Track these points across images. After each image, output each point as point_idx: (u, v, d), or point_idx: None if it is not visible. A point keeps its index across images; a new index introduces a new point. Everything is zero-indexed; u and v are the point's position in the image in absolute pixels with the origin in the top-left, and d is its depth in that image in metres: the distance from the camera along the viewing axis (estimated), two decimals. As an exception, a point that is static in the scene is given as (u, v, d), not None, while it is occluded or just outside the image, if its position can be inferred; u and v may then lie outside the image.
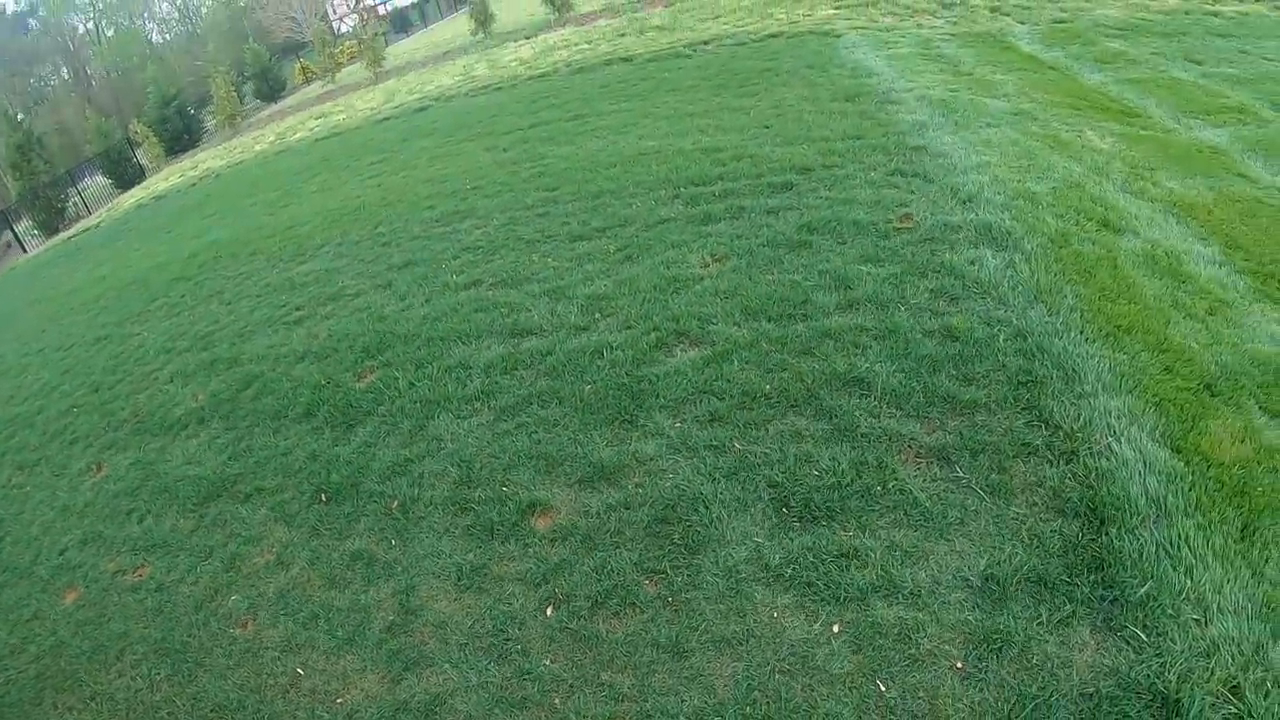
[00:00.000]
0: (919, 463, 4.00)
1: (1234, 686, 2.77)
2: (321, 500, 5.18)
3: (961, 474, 3.86)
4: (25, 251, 29.67)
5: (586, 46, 18.72)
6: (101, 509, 6.25)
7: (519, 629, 3.81)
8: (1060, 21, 13.24)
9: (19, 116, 35.08)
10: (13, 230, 31.95)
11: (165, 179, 27.39)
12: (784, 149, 8.16)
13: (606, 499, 4.33)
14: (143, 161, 34.77)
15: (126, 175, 33.96)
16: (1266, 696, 2.73)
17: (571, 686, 3.47)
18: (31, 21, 67.46)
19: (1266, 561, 3.20)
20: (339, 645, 4.10)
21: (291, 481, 5.48)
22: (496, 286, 7.07)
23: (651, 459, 4.48)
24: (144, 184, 30.53)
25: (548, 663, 3.60)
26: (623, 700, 3.35)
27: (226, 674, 4.24)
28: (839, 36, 13.23)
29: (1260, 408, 4.05)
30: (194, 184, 22.48)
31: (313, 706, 3.86)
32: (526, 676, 3.58)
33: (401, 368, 6.20)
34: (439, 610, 4.06)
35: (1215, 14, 12.72)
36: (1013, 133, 7.88)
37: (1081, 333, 4.60)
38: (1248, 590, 3.09)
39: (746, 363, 4.96)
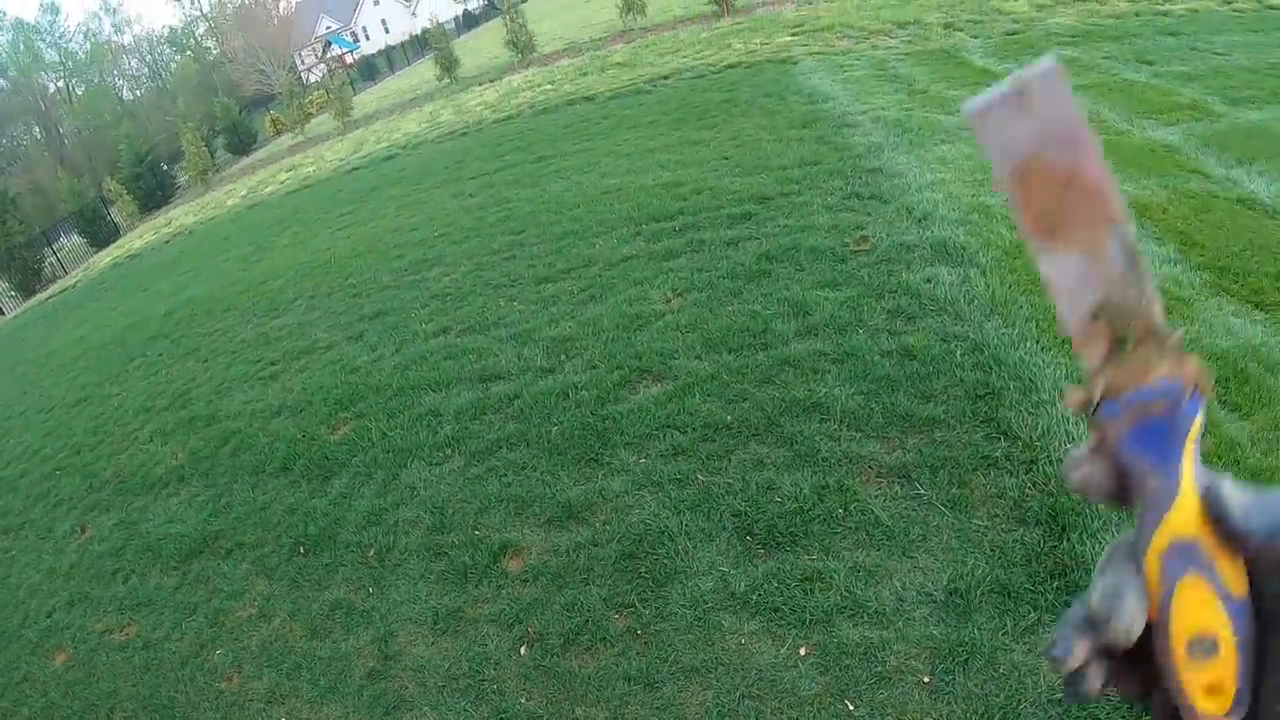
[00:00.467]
0: (880, 483, 4.06)
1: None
2: (300, 552, 5.23)
3: (922, 491, 3.91)
4: (3, 314, 29.61)
5: (550, 87, 18.92)
6: (87, 570, 6.28)
7: (494, 669, 3.86)
8: (1013, 33, 13.35)
9: (-6, 178, 35.04)
10: (-10, 294, 31.90)
11: (140, 236, 27.45)
12: (743, 179, 8.30)
13: (575, 537, 4.39)
14: (117, 219, 34.85)
15: (101, 234, 34.02)
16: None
17: (547, 723, 3.54)
18: (1, 81, 67.52)
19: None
20: (322, 694, 4.15)
21: (271, 535, 5.54)
22: (465, 333, 7.16)
23: (618, 496, 4.55)
24: (119, 242, 30.62)
25: (523, 701, 3.66)
26: (597, 733, 3.41)
27: (213, 729, 4.29)
28: (796, 63, 13.41)
29: (1219, 401, 4.09)
30: (168, 241, 22.54)
31: (298, 757, 3.91)
32: (503, 715, 3.62)
33: (374, 418, 6.28)
34: (417, 655, 4.12)
35: (1165, 13, 12.78)
36: (967, 147, 7.99)
37: (1037, 342, 4.68)
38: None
39: (708, 395, 5.06)
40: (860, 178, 7.53)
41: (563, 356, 6.12)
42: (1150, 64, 10.34)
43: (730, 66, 14.48)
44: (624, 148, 11.45)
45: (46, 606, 6.10)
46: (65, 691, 5.11)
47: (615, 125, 13.11)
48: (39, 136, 65.53)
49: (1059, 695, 2.89)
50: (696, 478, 4.46)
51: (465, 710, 3.73)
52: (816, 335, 5.29)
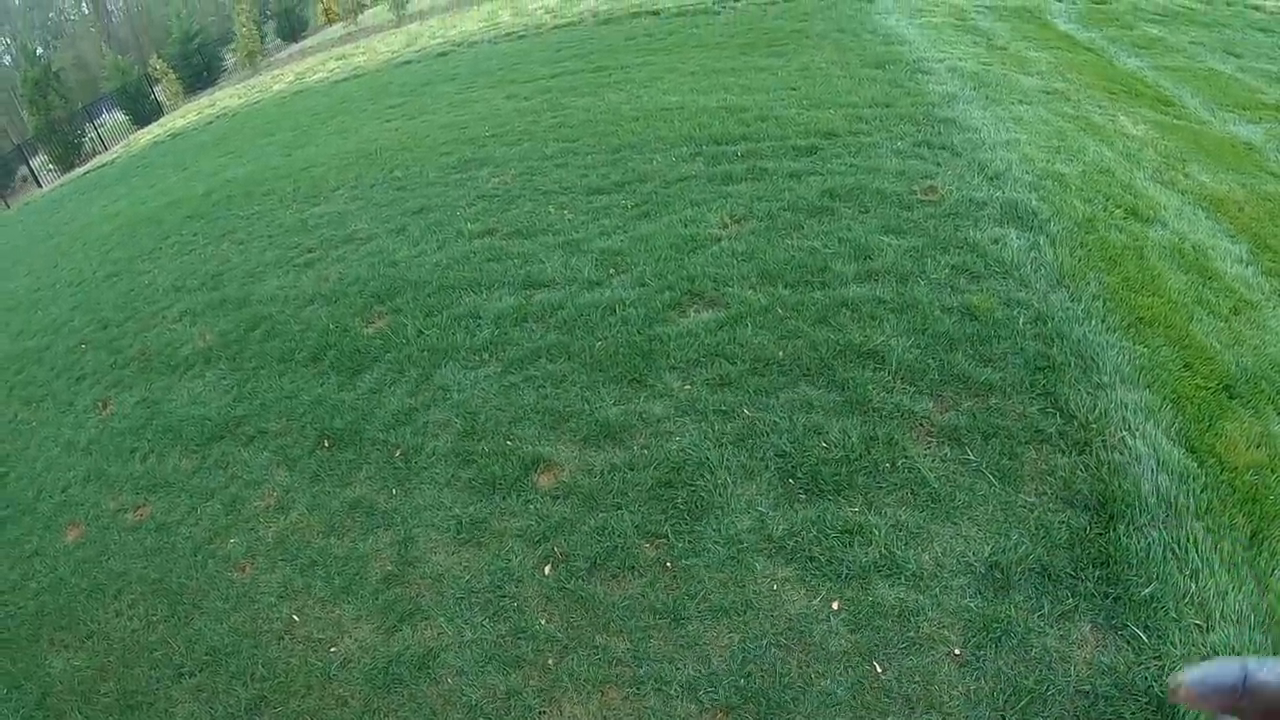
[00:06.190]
0: (930, 441, 3.91)
1: (1230, 698, 2.69)
2: (324, 446, 5.13)
3: (972, 457, 3.77)
4: (41, 186, 29.73)
5: (614, -3, 18.44)
6: (105, 446, 6.23)
7: (516, 586, 3.76)
8: (1099, 3, 12.91)
9: (38, 51, 34.82)
10: (29, 165, 32.01)
11: (183, 116, 27.29)
12: (810, 112, 8.00)
13: (611, 458, 4.27)
14: (161, 98, 34.69)
15: (144, 112, 33.90)
16: (1262, 711, 2.64)
17: (566, 647, 3.43)
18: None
19: (1272, 572, 3.12)
20: (335, 593, 4.08)
21: (295, 425, 5.45)
22: (511, 236, 6.97)
23: (659, 420, 4.41)
24: (161, 121, 30.45)
25: (543, 622, 3.56)
26: (617, 664, 3.31)
27: (222, 617, 4.22)
28: (872, 1, 12.97)
29: (1279, 414, 3.95)
30: (211, 122, 22.37)
31: (306, 654, 3.83)
32: (522, 635, 3.54)
33: (411, 314, 6.14)
34: (437, 563, 4.03)
35: (1257, 7, 12.39)
36: (1044, 112, 7.71)
37: (1103, 321, 4.48)
38: (1251, 600, 3.01)
39: (760, 328, 4.88)
40: (933, 126, 7.24)
41: (612, 270, 5.94)
42: (1238, 57, 10.05)
43: (804, -4, 14.01)
44: (688, 66, 11.13)
45: (62, 481, 6.07)
46: (75, 568, 5.08)
47: (680, 42, 12.76)
48: (87, 12, 64.89)
49: (1088, 687, 2.82)
50: (742, 411, 4.31)
51: (482, 625, 3.63)
52: (877, 280, 5.09)
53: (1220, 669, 0.59)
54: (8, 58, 56.70)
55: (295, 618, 4.04)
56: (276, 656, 3.89)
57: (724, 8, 14.61)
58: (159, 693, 3.97)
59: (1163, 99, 8.52)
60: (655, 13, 15.50)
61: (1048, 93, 8.39)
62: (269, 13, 41.50)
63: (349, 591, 4.05)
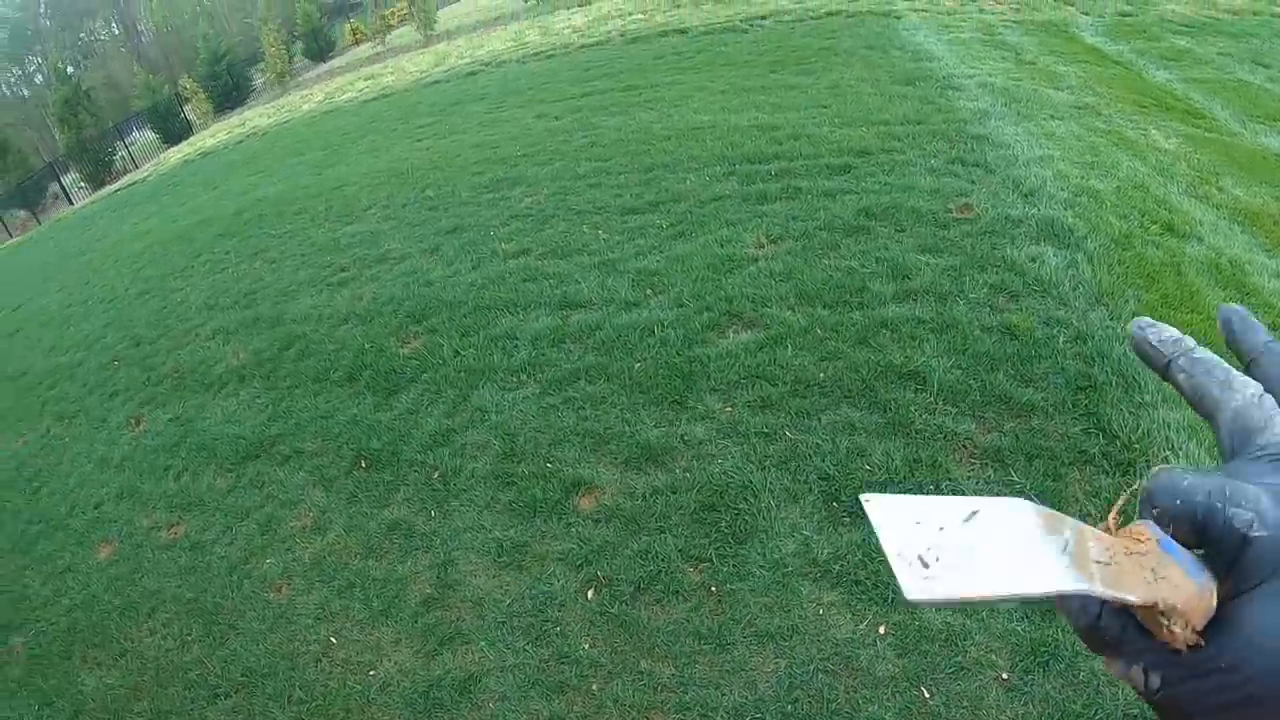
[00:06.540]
0: (973, 463, 3.86)
1: (1276, 722, 2.64)
2: (361, 466, 5.13)
3: (1016, 478, 3.71)
4: (72, 203, 30.17)
5: (641, 16, 18.46)
6: (139, 464, 6.27)
7: (559, 610, 3.74)
8: (1126, 15, 12.87)
9: (69, 70, 35.36)
10: (60, 182, 32.47)
11: (213, 135, 27.58)
12: (842, 130, 7.97)
13: (653, 481, 4.24)
14: (191, 117, 35.12)
15: (174, 130, 34.32)
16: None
17: (610, 673, 3.40)
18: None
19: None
20: (374, 616, 4.06)
21: (331, 445, 5.45)
22: (546, 256, 6.96)
23: (701, 442, 4.37)
24: (191, 140, 30.82)
25: (586, 647, 3.53)
26: (662, 690, 3.27)
27: (259, 639, 4.21)
28: (899, 18, 12.94)
29: None
30: (241, 141, 22.62)
31: (345, 677, 3.82)
32: (565, 659, 3.51)
33: (446, 335, 6.14)
34: (477, 586, 4.00)
35: (1283, 16, 12.34)
36: (1076, 127, 7.65)
37: (1144, 340, 4.42)
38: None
39: (800, 349, 4.84)
40: (965, 143, 7.18)
41: (649, 291, 5.91)
42: (1266, 67, 9.96)
43: (830, 14, 13.97)
44: (718, 84, 11.11)
45: (95, 497, 6.12)
46: (108, 585, 5.10)
47: (709, 61, 12.77)
48: (118, 32, 65.87)
49: (1135, 711, 2.76)
50: (784, 433, 4.27)
51: (524, 650, 3.60)
52: (916, 300, 5.04)
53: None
54: (39, 77, 57.65)
55: (333, 639, 4.03)
56: (314, 679, 3.88)
57: (751, 26, 14.63)
58: (194, 713, 3.97)
59: (1193, 112, 8.46)
60: (683, 31, 15.52)
61: (1079, 107, 8.34)
62: (296, 33, 41.88)
63: (388, 614, 4.04)
